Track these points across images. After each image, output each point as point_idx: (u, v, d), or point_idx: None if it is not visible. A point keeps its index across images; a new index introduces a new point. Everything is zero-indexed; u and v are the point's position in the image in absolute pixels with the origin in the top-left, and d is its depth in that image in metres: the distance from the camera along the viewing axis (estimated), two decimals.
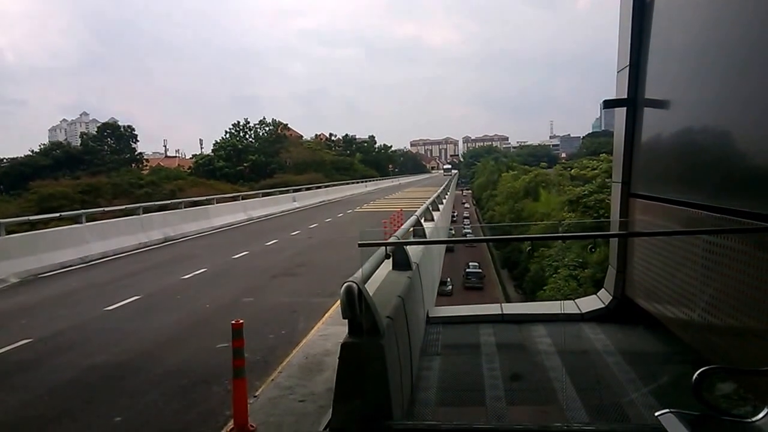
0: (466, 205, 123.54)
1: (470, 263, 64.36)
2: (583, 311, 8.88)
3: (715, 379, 4.25)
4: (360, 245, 5.36)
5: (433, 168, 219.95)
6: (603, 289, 9.13)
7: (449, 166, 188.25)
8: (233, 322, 6.17)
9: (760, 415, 2.77)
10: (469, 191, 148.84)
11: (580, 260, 40.56)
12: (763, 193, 5.09)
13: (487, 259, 74.42)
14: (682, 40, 6.99)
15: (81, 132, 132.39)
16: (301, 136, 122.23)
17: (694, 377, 2.88)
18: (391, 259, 7.66)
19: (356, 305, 4.62)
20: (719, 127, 6.14)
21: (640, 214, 7.98)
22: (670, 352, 7.11)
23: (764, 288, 4.79)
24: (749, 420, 2.80)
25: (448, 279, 50.83)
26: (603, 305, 8.83)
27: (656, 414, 2.88)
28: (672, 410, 2.80)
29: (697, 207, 6.11)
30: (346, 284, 4.66)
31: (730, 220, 5.40)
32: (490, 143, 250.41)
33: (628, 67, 8.09)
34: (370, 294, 4.87)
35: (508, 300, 51.75)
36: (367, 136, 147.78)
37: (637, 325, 8.06)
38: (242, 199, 35.82)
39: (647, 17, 7.78)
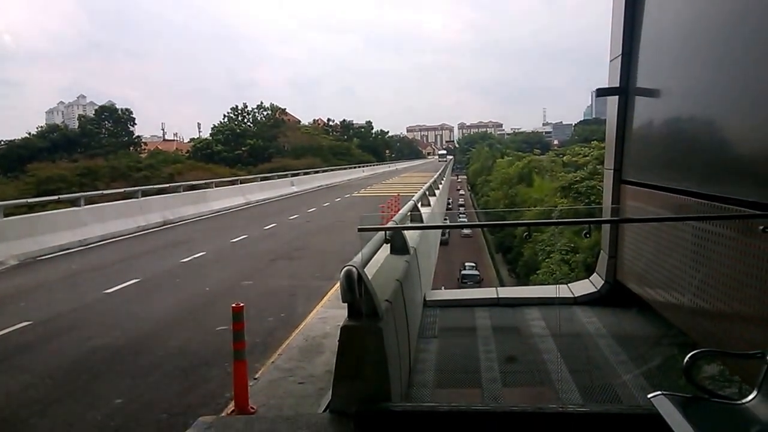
0: (461, 192, 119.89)
1: (466, 264, 60.38)
2: (576, 295, 8.98)
3: (705, 361, 4.37)
4: (360, 230, 5.42)
5: (429, 153, 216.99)
6: (595, 274, 9.22)
7: (444, 152, 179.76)
8: (234, 305, 6.24)
9: (749, 397, 2.88)
10: (464, 177, 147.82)
11: (572, 245, 40.84)
12: (750, 180, 5.19)
13: (481, 244, 74.44)
14: (673, 30, 7.05)
15: (79, 115, 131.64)
16: (299, 121, 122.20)
17: (686, 360, 2.97)
18: (389, 243, 7.74)
19: (356, 289, 4.64)
20: (708, 115, 6.22)
21: (632, 200, 8.07)
22: (661, 336, 7.21)
23: (751, 273, 4.87)
24: (739, 402, 2.90)
25: (442, 287, 47.05)
26: (595, 289, 8.93)
27: (648, 396, 2.96)
28: (664, 392, 2.89)
29: (686, 194, 6.19)
30: (345, 268, 4.69)
31: (718, 206, 5.49)
32: (484, 130, 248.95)
33: (620, 57, 8.15)
34: (369, 278, 4.93)
35: (502, 283, 51.97)
36: (364, 122, 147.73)
37: (629, 309, 8.15)
38: (240, 183, 35.94)
39: (639, 7, 7.84)
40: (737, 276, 5.14)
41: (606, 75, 8.73)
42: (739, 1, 5.56)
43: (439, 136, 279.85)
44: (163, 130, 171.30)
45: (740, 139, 5.57)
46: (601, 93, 8.66)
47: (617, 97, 8.31)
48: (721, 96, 5.83)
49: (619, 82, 8.21)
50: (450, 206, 62.61)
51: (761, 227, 4.64)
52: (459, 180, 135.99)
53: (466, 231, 71.77)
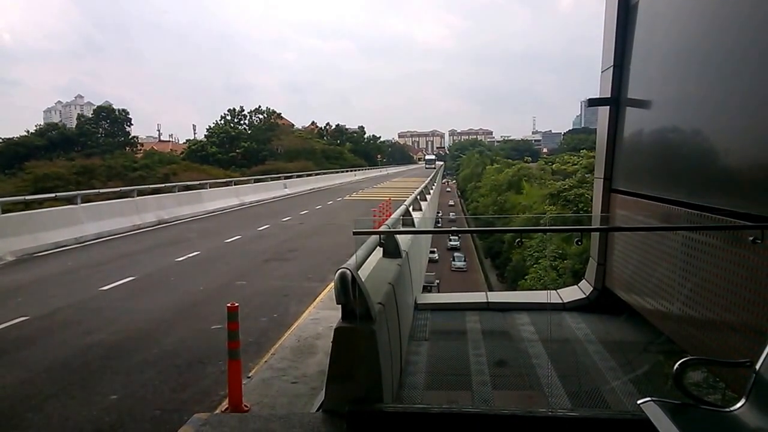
0: (451, 202, 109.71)
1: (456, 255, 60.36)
2: (565, 301, 9.07)
3: (694, 369, 4.46)
4: (354, 233, 5.50)
5: (419, 159, 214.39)
6: (584, 280, 9.31)
7: (433, 157, 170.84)
8: (228, 305, 6.29)
9: (738, 405, 2.94)
10: (455, 183, 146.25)
11: (560, 251, 40.91)
12: (740, 191, 5.28)
13: (470, 249, 74.10)
14: (664, 42, 7.13)
15: (78, 114, 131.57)
16: (293, 125, 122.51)
17: (675, 367, 3.04)
18: (382, 247, 7.81)
19: (350, 291, 4.71)
20: (698, 126, 6.30)
21: (621, 209, 8.15)
22: (648, 343, 7.27)
23: (740, 283, 4.95)
24: (727, 409, 2.97)
25: None
26: (584, 296, 9.02)
27: (638, 402, 3.03)
28: (653, 398, 2.96)
29: (676, 203, 6.27)
30: (340, 271, 4.75)
31: (707, 216, 5.58)
32: (475, 137, 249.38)
33: (612, 68, 8.23)
34: (363, 280, 5.03)
35: (491, 288, 52.04)
36: (356, 127, 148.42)
37: (617, 316, 8.24)
38: (234, 184, 36.00)
39: (631, 19, 7.93)
40: (726, 285, 5.21)
41: (597, 85, 8.86)
42: (730, 15, 5.65)
43: (430, 143, 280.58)
44: (158, 131, 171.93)
45: (731, 150, 5.64)
46: (593, 103, 8.74)
47: (608, 107, 8.42)
48: (712, 107, 5.91)
49: (611, 93, 8.31)
50: (439, 222, 59.41)
51: (751, 238, 4.71)
52: (448, 189, 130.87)
53: (458, 263, 65.45)
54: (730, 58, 5.53)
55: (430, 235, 24.60)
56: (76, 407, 6.40)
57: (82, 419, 6.12)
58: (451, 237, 70.07)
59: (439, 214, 57.61)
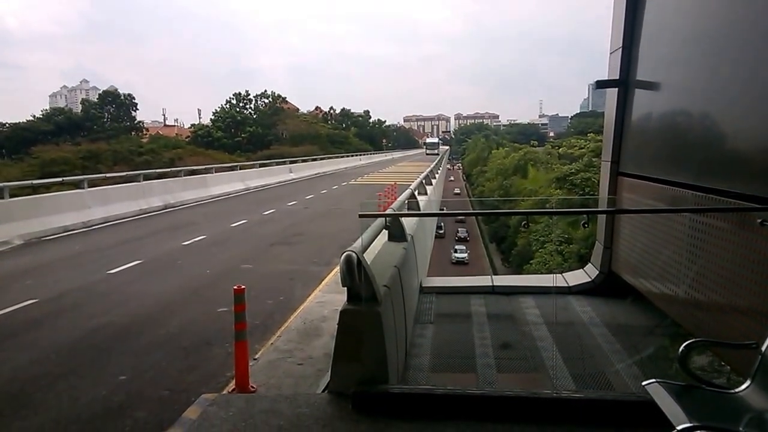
0: (457, 190, 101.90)
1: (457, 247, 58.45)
2: (571, 285, 9.09)
3: (698, 351, 4.47)
4: (360, 216, 5.52)
5: (425, 144, 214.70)
6: (590, 264, 9.33)
7: (436, 140, 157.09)
8: (235, 287, 6.32)
9: (743, 386, 2.99)
10: (460, 168, 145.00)
11: (566, 236, 40.89)
12: (749, 174, 5.28)
13: (476, 233, 73.86)
14: (674, 24, 7.08)
15: (82, 99, 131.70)
16: (298, 109, 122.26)
17: (681, 349, 3.08)
18: (387, 230, 7.82)
19: (355, 274, 4.76)
20: (708, 109, 6.28)
21: (628, 192, 8.15)
22: (654, 326, 7.30)
23: (746, 265, 4.98)
24: (732, 390, 3.02)
25: None
26: (590, 279, 9.04)
27: (643, 383, 3.07)
28: (658, 380, 3.00)
29: (683, 186, 6.27)
30: (345, 253, 4.80)
31: (715, 199, 5.59)
32: (481, 121, 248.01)
33: (620, 49, 8.18)
34: (368, 263, 5.05)
35: (495, 272, 51.94)
36: (362, 111, 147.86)
37: (622, 299, 8.25)
38: (240, 169, 35.96)
39: (641, 0, 7.93)
40: (733, 268, 5.24)
41: (605, 68, 8.83)
42: None
43: (435, 126, 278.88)
44: (164, 115, 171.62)
45: (740, 132, 5.64)
46: (601, 85, 8.71)
47: (616, 89, 8.38)
48: (721, 89, 5.90)
49: (619, 75, 8.26)
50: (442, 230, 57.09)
51: (759, 220, 4.73)
52: (452, 179, 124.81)
53: (459, 255, 60.04)
54: (740, 40, 5.51)
55: (434, 230, 24.62)
56: (86, 387, 6.45)
57: (91, 399, 6.16)
58: (457, 248, 63.61)
59: (443, 210, 55.81)
